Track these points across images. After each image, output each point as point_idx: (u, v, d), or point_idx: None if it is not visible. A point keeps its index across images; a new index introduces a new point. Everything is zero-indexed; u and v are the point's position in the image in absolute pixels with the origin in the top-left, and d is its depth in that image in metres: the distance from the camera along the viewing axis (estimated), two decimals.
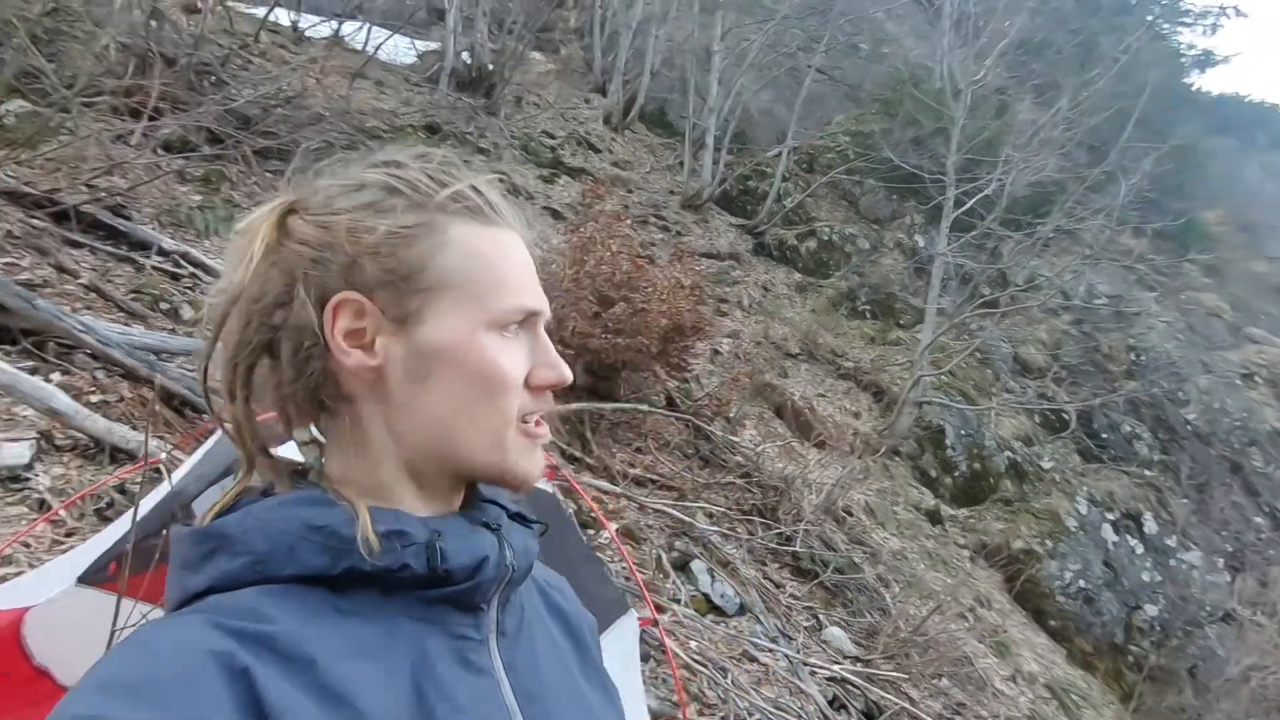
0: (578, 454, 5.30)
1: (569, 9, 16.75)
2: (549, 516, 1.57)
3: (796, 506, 5.94)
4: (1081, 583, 8.47)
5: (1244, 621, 8.37)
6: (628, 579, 3.53)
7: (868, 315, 11.04)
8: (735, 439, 6.53)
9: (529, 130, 12.00)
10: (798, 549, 5.60)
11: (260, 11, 9.28)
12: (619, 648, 1.50)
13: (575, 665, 0.66)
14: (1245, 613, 8.49)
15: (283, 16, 9.85)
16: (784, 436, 8.03)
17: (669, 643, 2.29)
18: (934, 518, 8.55)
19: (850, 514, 7.19)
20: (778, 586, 5.27)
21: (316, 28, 10.14)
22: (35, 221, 4.04)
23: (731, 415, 7.32)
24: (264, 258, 0.55)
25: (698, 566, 4.63)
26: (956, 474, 9.13)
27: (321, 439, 0.58)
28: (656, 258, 8.93)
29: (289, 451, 0.60)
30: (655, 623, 1.78)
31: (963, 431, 9.30)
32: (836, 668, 4.15)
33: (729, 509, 5.57)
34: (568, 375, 0.60)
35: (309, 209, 0.56)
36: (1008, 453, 9.42)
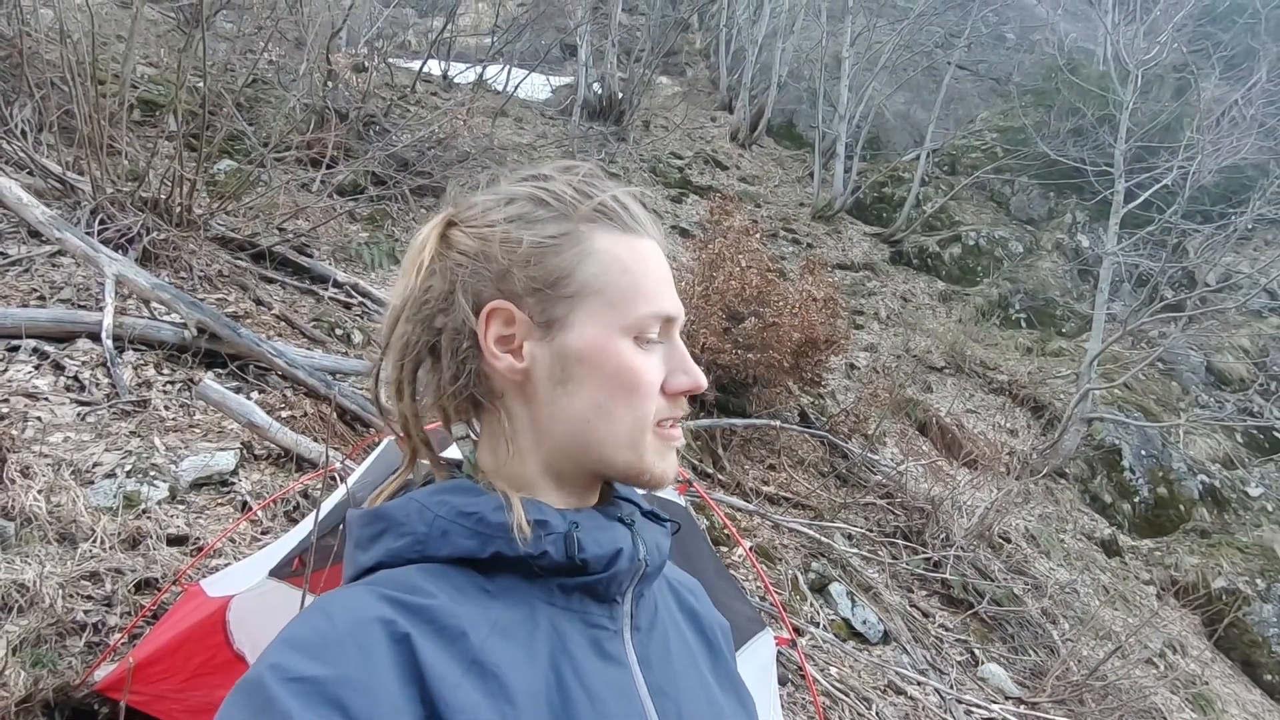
0: (709, 470, 5.29)
1: (694, 31, 17.03)
2: (681, 530, 1.58)
3: (945, 530, 5.54)
4: None
5: None
6: (763, 598, 3.46)
7: (1023, 324, 10.15)
8: (875, 457, 6.22)
9: (657, 152, 12.27)
10: (948, 576, 5.21)
11: (416, 65, 10.24)
12: (754, 666, 1.47)
13: (707, 666, 0.66)
14: None
15: (434, 67, 10.81)
16: (929, 455, 7.54)
17: (808, 667, 2.22)
18: (1110, 548, 7.64)
19: (1008, 540, 6.59)
20: (926, 615, 4.93)
21: (463, 74, 11.01)
22: (239, 262, 4.69)
23: (870, 432, 6.98)
24: (428, 266, 0.60)
25: (837, 589, 4.44)
26: (1137, 500, 8.11)
27: (475, 435, 0.63)
28: (787, 271, 8.77)
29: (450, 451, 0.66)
30: (793, 643, 1.72)
31: (1143, 452, 8.25)
32: (996, 708, 3.80)
33: (869, 530, 5.30)
34: (703, 382, 0.61)
35: (467, 221, 0.61)
36: (1202, 476, 8.23)
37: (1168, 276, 8.47)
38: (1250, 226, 8.21)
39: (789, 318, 5.43)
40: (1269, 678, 7.02)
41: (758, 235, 6.27)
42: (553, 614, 0.56)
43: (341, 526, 1.72)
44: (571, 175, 0.62)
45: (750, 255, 5.94)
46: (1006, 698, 4.30)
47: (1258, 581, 7.40)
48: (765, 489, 5.40)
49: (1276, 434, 8.43)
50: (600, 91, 12.43)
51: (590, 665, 0.55)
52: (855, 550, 4.98)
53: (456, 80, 11.02)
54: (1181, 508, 8.06)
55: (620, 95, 12.24)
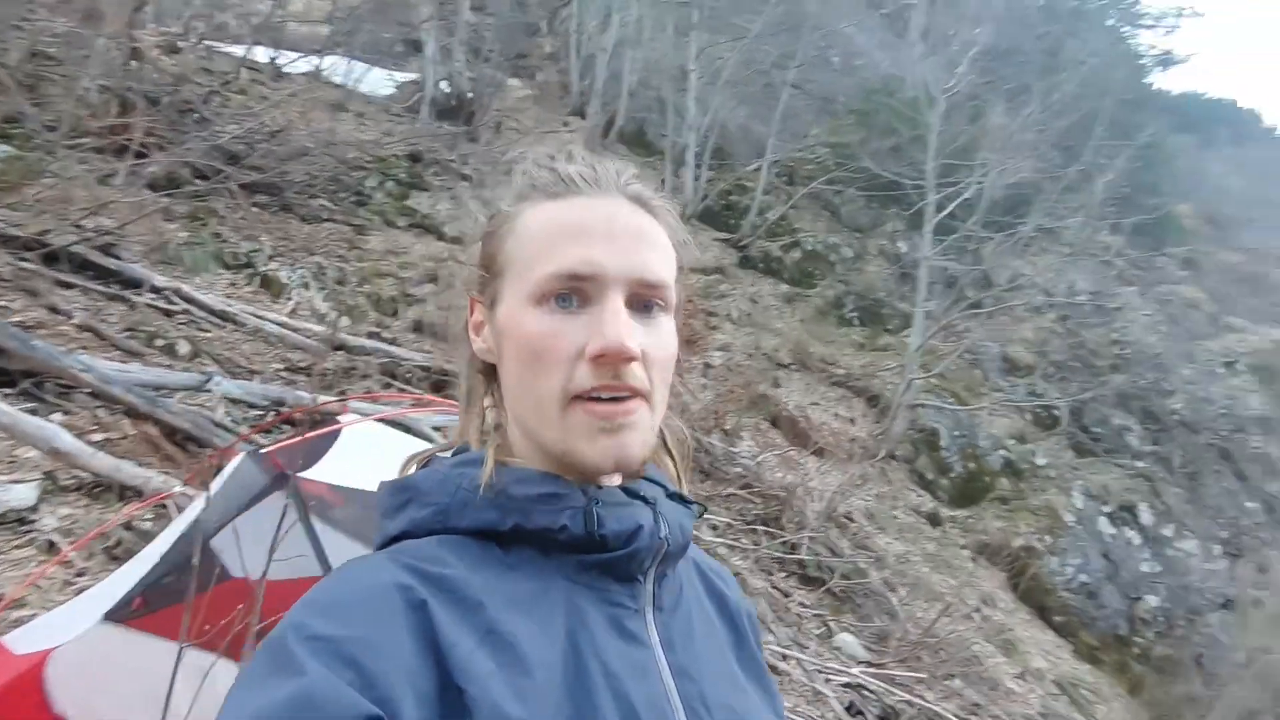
0: None
1: (544, 35, 16.98)
2: None
3: (800, 514, 5.95)
4: (1083, 577, 8.52)
5: (1246, 606, 8.45)
6: None
7: (856, 322, 11.14)
8: (735, 450, 6.54)
9: (511, 155, 12.08)
10: (804, 557, 5.60)
11: (240, 50, 9.31)
12: None
13: (731, 651, 0.66)
14: (1246, 597, 8.57)
15: (260, 54, 9.90)
16: (781, 446, 8.05)
17: None
18: (934, 520, 8.59)
19: (851, 520, 7.21)
20: (786, 595, 5.26)
21: (294, 63, 10.18)
22: (25, 263, 4.01)
23: (729, 427, 7.34)
24: (460, 270, 0.67)
25: None
26: (953, 475, 9.18)
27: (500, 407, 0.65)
28: None
29: None
30: None
31: (956, 433, 9.37)
32: (855, 671, 4.14)
33: (733, 520, 5.57)
34: (614, 343, 0.54)
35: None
36: (1002, 451, 9.50)
37: (970, 278, 9.70)
38: (1032, 235, 9.62)
39: None
40: (1057, 619, 8.25)
41: None
42: (572, 590, 0.56)
43: (194, 560, 1.53)
44: (536, 157, 0.63)
45: None
46: (858, 663, 4.70)
47: (1046, 538, 8.67)
48: None
49: (1055, 412, 9.92)
50: (449, 90, 12.06)
51: (609, 643, 0.55)
52: (721, 539, 5.21)
53: (287, 70, 10.17)
54: (987, 479, 9.24)
55: (470, 95, 11.94)
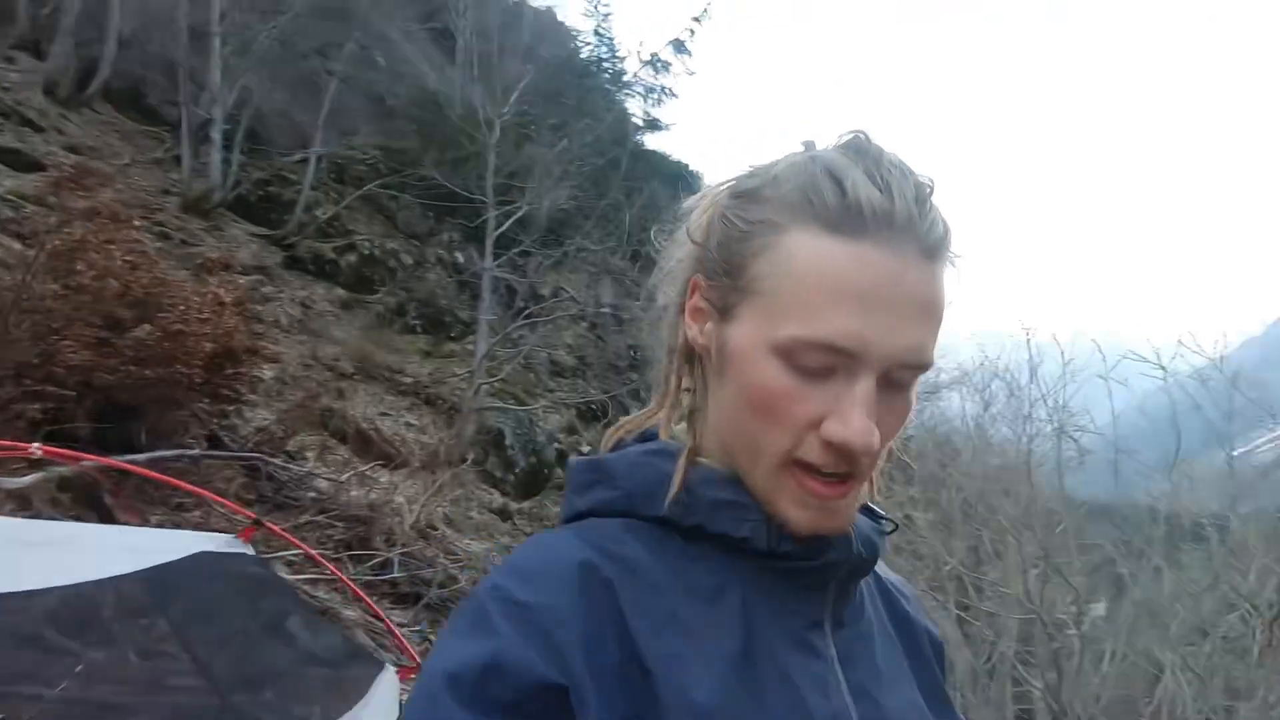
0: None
1: None
2: (254, 580, 1.19)
3: (388, 532, 5.66)
4: None
5: None
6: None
7: (419, 330, 11.08)
8: (315, 472, 5.86)
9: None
10: (395, 575, 5.35)
11: None
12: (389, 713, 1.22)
13: (911, 674, 0.63)
14: None
15: None
16: (351, 461, 7.49)
17: None
18: (504, 514, 9.15)
19: (435, 528, 7.18)
20: (379, 619, 4.95)
21: None
22: None
23: (292, 448, 6.49)
24: (688, 235, 0.61)
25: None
26: (518, 470, 9.95)
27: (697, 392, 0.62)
28: (165, 270, 7.23)
29: None
30: (419, 667, 1.53)
31: (518, 431, 10.17)
32: None
33: (317, 550, 4.97)
34: (860, 438, 0.50)
35: (721, 193, 0.59)
36: (556, 444, 10.70)
37: (523, 290, 10.66)
38: (577, 253, 11.12)
39: (198, 325, 4.56)
40: None
41: (136, 221, 5.02)
42: (749, 592, 0.55)
43: None
44: (815, 151, 0.55)
45: (129, 246, 4.73)
46: None
47: None
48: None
49: (593, 406, 11.66)
50: None
51: (786, 652, 0.54)
52: (304, 576, 4.59)
53: None
54: (546, 470, 10.29)
55: None
